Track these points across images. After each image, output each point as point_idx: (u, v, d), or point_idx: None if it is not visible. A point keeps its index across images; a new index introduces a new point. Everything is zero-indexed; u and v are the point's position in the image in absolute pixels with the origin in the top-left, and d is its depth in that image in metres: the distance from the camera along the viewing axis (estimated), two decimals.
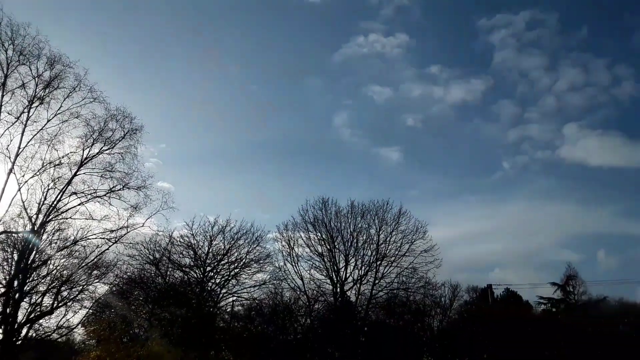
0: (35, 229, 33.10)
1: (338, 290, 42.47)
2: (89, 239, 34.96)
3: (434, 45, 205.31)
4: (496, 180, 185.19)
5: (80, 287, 36.36)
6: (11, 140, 31.26)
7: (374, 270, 42.61)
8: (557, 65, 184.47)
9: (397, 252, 42.37)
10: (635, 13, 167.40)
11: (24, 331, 34.47)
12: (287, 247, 43.41)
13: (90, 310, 38.42)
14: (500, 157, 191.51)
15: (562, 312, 70.54)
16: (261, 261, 43.18)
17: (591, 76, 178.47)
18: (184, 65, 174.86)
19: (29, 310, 34.33)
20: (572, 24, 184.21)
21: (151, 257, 42.98)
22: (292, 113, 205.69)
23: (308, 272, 43.35)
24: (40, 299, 35.06)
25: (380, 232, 42.95)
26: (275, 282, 44.82)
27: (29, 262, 33.61)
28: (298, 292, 44.29)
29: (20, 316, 33.64)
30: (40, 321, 35.55)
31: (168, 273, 44.76)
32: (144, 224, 36.15)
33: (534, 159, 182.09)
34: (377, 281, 42.47)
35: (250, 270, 43.33)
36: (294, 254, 43.14)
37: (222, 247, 43.20)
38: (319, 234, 43.49)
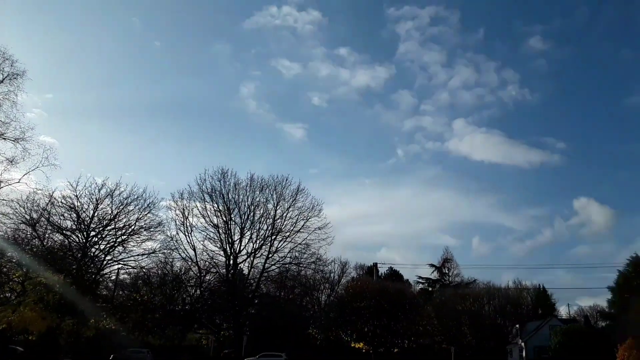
0: None
1: (231, 262, 42.29)
2: None
3: (345, 27, 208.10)
4: (390, 166, 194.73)
5: None
6: None
7: (269, 244, 43.00)
8: (453, 62, 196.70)
9: (292, 228, 43.09)
10: (527, 22, 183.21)
11: None
12: (181, 216, 42.19)
13: None
14: (395, 145, 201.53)
15: (437, 291, 76.94)
16: (152, 229, 41.52)
17: (482, 77, 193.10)
18: (81, 11, 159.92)
19: None
20: (471, 24, 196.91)
21: (27, 217, 39.46)
22: (197, 77, 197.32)
23: (201, 243, 42.58)
24: None
25: (278, 208, 43.32)
26: (165, 251, 43.45)
27: None
28: (189, 263, 43.46)
29: None
30: None
31: (46, 235, 41.46)
32: (20, 179, 32.79)
33: (424, 148, 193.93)
34: (270, 255, 42.95)
35: (139, 238, 41.48)
36: (188, 224, 42.10)
37: (109, 212, 40.82)
38: (216, 205, 42.76)
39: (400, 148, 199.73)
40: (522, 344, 59.11)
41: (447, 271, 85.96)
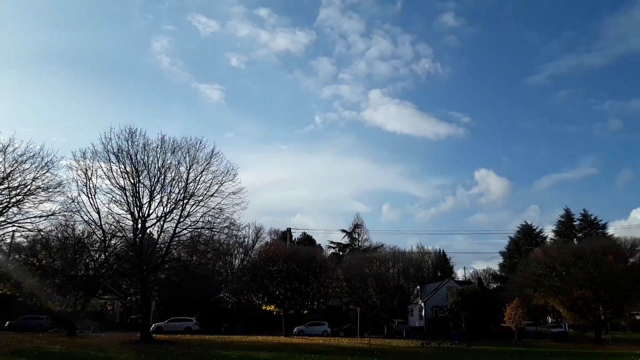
0: None
1: (139, 226, 40.71)
2: None
3: None
4: (308, 133, 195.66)
5: None
6: None
7: (180, 208, 41.83)
8: (371, 33, 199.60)
9: (205, 192, 42.12)
10: None
11: None
12: (84, 177, 39.49)
13: None
14: (313, 112, 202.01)
15: (347, 255, 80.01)
16: (50, 190, 38.61)
17: (398, 49, 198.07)
18: None
19: None
20: None
21: None
22: (104, 26, 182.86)
23: (106, 205, 40.33)
24: None
25: (191, 171, 41.98)
26: (66, 213, 40.72)
27: None
28: (93, 226, 41.12)
29: None
30: None
31: None
32: None
33: (341, 117, 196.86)
34: (182, 219, 41.86)
35: (36, 198, 38.44)
36: (91, 185, 39.55)
37: (2, 170, 37.36)
38: (123, 166, 40.47)
39: (318, 115, 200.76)
40: (422, 303, 63.64)
41: (357, 236, 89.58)
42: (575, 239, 74.02)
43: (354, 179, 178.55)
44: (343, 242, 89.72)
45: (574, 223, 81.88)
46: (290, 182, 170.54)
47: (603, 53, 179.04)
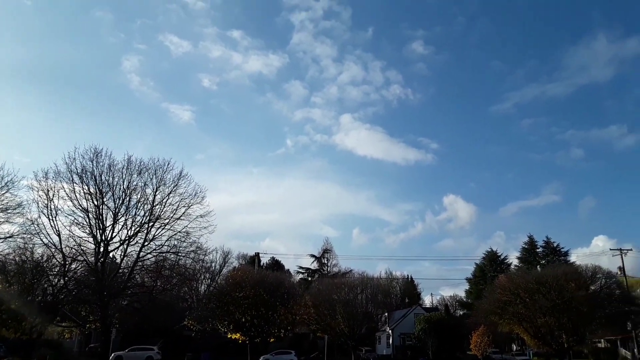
0: None
1: (102, 250, 39.52)
2: None
3: (239, 9, 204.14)
4: (279, 156, 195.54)
5: None
6: None
7: (145, 231, 40.88)
8: (343, 58, 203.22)
9: (172, 215, 41.40)
10: (411, 26, 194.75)
11: None
12: (45, 197, 38.29)
13: None
14: (285, 135, 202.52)
15: (315, 281, 79.30)
16: (9, 211, 37.28)
17: (369, 75, 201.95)
18: None
19: None
20: (362, 22, 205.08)
21: None
22: (73, 42, 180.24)
23: (68, 228, 39.07)
24: None
25: (157, 193, 41.29)
26: (25, 236, 39.28)
27: None
28: (53, 250, 39.69)
29: None
30: None
31: None
32: None
33: (313, 140, 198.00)
34: (146, 243, 40.86)
35: None
36: (53, 207, 38.35)
37: None
38: (86, 187, 39.48)
39: (290, 138, 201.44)
40: (390, 331, 63.43)
41: (326, 261, 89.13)
42: (538, 266, 75.55)
43: (324, 203, 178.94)
44: (312, 267, 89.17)
45: (537, 250, 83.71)
46: (261, 206, 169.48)
47: (565, 83, 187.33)
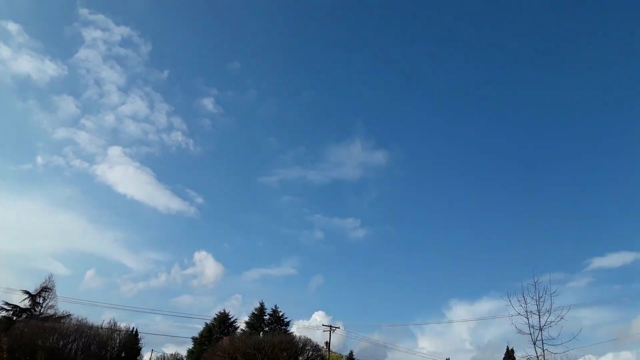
0: None
1: None
2: None
3: (27, 2, 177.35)
4: (22, 172, 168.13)
5: None
6: None
7: None
8: (130, 90, 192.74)
9: None
10: (207, 82, 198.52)
11: None
12: None
13: None
14: (37, 150, 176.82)
15: (21, 322, 68.23)
16: None
17: (153, 115, 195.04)
18: None
19: None
20: (160, 63, 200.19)
21: None
22: None
23: None
24: None
25: None
26: None
27: None
28: None
29: None
30: None
31: None
32: None
33: (70, 164, 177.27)
34: None
35: None
36: None
37: None
38: None
39: (42, 156, 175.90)
40: None
41: (41, 301, 77.85)
42: (262, 332, 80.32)
43: (61, 236, 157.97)
44: (22, 305, 76.51)
45: (265, 317, 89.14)
46: None
47: (323, 173, 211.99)
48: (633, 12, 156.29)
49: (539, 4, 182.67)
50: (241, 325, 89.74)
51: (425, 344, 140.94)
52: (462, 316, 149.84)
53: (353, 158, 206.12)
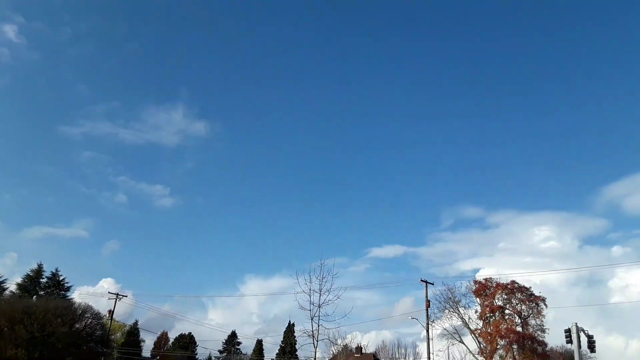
0: None
1: None
2: None
3: None
4: None
5: None
6: None
7: None
8: None
9: None
10: (15, 9, 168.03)
11: None
12: None
13: None
14: None
15: None
16: None
17: None
18: None
19: None
20: None
21: None
22: None
23: None
24: None
25: None
26: None
27: None
28: None
29: None
30: None
31: None
32: None
33: None
34: None
35: None
36: None
37: None
38: None
39: None
40: None
41: None
42: (35, 296, 72.61)
43: None
44: None
45: (42, 280, 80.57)
46: None
47: (136, 134, 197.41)
48: None
49: None
50: (11, 287, 79.74)
51: (215, 315, 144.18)
52: (255, 291, 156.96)
53: (173, 124, 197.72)
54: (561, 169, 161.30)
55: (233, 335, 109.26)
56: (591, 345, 40.19)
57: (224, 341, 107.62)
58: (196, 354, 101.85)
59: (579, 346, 39.55)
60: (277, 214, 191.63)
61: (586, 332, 39.81)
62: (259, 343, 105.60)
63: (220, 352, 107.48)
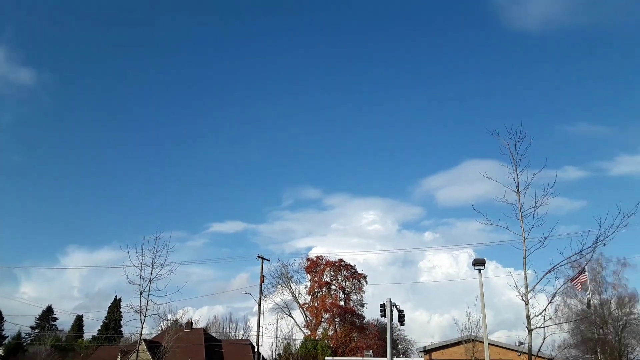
0: None
1: None
2: None
3: None
4: None
5: None
6: None
7: None
8: None
9: None
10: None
11: None
12: None
13: None
14: None
15: None
16: None
17: None
18: None
19: None
20: None
21: None
22: None
23: None
24: None
25: None
26: None
27: None
28: None
29: None
30: None
31: None
32: None
33: None
34: None
35: None
36: None
37: None
38: None
39: None
40: None
41: None
42: None
43: None
44: None
45: None
46: None
47: None
48: None
49: None
50: None
51: (28, 289, 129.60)
52: (78, 263, 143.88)
53: None
54: (390, 159, 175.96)
55: (49, 310, 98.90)
56: (401, 319, 44.73)
57: (37, 316, 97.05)
58: (2, 329, 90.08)
59: (391, 319, 43.95)
60: (111, 181, 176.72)
61: (398, 306, 44.30)
62: (79, 319, 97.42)
63: (33, 328, 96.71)
